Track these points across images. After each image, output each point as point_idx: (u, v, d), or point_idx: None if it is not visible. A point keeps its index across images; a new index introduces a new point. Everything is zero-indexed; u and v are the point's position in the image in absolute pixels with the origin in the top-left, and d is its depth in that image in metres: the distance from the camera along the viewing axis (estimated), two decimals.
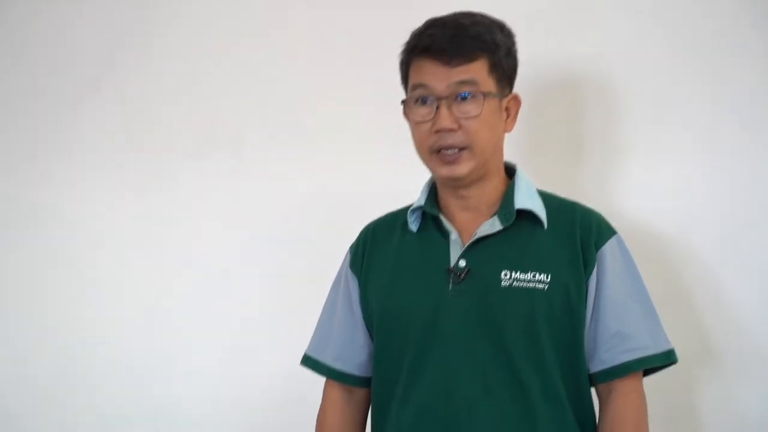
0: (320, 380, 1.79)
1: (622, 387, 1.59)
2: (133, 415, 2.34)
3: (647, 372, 1.63)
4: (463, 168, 1.58)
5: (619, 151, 2.00)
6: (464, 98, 1.55)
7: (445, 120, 1.55)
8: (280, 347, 2.18)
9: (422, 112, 1.58)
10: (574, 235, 1.59)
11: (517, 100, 1.63)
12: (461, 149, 1.56)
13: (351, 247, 1.77)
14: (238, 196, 2.29)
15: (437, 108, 1.55)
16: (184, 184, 2.32)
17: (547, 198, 1.65)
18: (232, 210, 2.30)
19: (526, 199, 1.61)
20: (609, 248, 1.60)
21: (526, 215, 1.60)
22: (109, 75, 2.38)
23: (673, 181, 1.97)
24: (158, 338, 2.33)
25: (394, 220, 1.73)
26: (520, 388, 1.55)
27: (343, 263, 1.77)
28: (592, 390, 1.64)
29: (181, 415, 2.31)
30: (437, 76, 1.55)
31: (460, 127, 1.55)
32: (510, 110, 1.62)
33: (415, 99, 1.59)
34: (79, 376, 2.37)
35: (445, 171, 1.59)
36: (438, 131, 1.56)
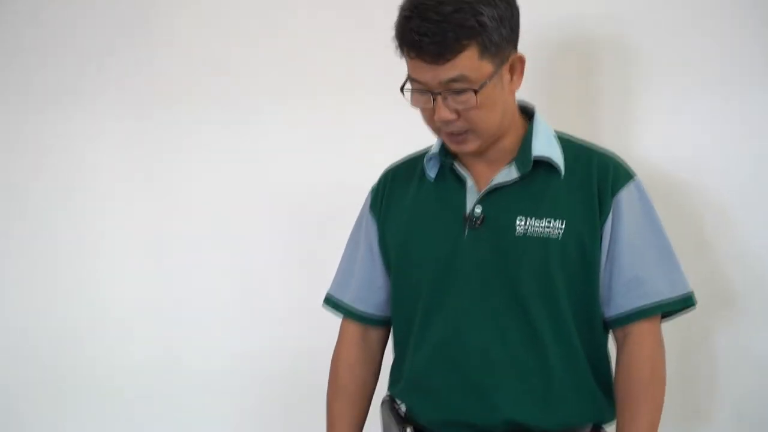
0: (331, 331, 1.81)
1: (638, 330, 1.60)
2: (140, 367, 2.42)
3: (666, 316, 1.63)
4: (470, 146, 1.59)
5: (636, 101, 2.01)
6: (458, 92, 1.51)
7: (443, 113, 1.53)
8: (289, 299, 2.28)
9: (422, 99, 1.55)
10: (591, 182, 1.59)
11: (520, 59, 1.57)
12: (466, 131, 1.57)
13: (372, 190, 1.78)
14: (249, 150, 2.33)
15: (434, 100, 1.53)
16: (199, 137, 2.37)
17: (564, 142, 1.64)
18: (242, 165, 2.34)
19: (544, 146, 1.61)
20: (626, 193, 1.59)
21: (544, 162, 1.61)
22: (124, 39, 2.41)
23: (691, 129, 1.97)
24: (166, 292, 2.40)
25: (414, 164, 1.74)
26: (533, 334, 1.57)
27: (364, 205, 1.79)
28: (610, 339, 1.65)
29: (190, 368, 2.39)
30: (427, 75, 1.50)
31: (459, 115, 1.54)
32: (514, 69, 1.57)
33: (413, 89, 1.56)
34: (78, 338, 2.46)
35: (454, 147, 1.61)
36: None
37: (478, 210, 1.60)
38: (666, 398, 1.59)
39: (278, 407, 2.34)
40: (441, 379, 1.61)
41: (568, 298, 1.57)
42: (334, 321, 1.82)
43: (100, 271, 2.45)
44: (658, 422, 1.57)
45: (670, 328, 1.65)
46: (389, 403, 1.74)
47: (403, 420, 1.69)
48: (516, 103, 1.64)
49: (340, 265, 1.82)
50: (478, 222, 1.59)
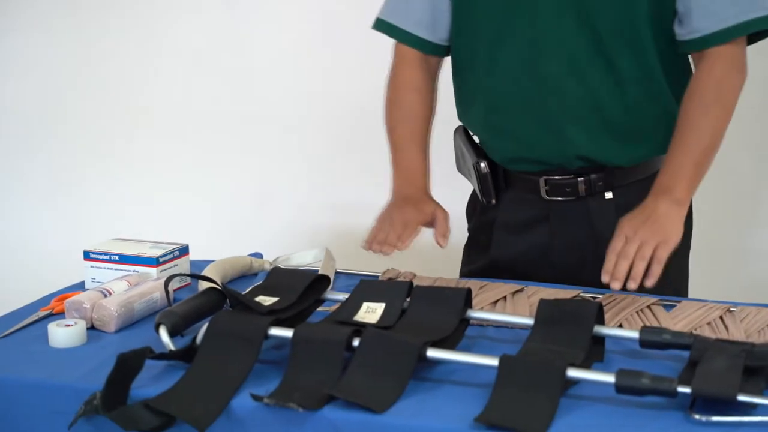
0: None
1: (709, 55, 1.46)
2: None
3: (753, 40, 1.49)
4: None
5: None
6: None
7: None
8: None
9: None
10: None
11: None
12: None
13: None
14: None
15: None
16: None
17: None
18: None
19: None
20: None
21: None
22: None
23: None
24: None
25: None
26: (611, 65, 1.49)
27: None
28: None
29: None
30: None
31: None
32: None
33: None
34: None
35: None
36: None
37: None
38: None
39: None
40: (512, 114, 1.56)
41: (649, 28, 1.48)
42: None
43: None
44: (712, 150, 1.46)
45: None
46: (464, 132, 1.69)
47: (478, 153, 1.64)
48: None
49: None
50: None
